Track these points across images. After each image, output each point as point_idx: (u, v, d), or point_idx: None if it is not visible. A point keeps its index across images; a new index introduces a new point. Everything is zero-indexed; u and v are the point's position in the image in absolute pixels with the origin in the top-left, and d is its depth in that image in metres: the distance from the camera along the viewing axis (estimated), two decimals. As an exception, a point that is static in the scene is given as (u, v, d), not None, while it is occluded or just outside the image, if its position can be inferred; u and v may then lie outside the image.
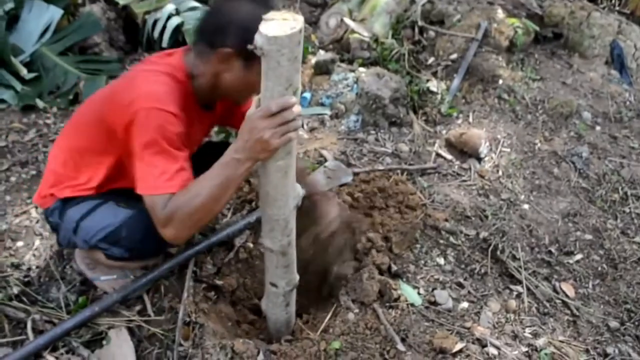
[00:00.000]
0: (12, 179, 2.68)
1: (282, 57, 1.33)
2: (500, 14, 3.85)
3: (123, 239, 1.81)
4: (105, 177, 1.81)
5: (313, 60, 3.34)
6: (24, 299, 2.02)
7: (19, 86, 3.34)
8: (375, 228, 2.41)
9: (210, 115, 1.92)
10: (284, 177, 1.61)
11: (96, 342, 1.85)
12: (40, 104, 3.24)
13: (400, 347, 1.94)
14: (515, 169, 2.99)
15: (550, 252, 2.57)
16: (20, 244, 2.30)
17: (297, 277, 1.99)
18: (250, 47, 1.31)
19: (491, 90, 3.50)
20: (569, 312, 2.31)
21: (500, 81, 3.55)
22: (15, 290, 2.05)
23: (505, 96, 3.48)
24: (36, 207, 2.48)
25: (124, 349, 1.84)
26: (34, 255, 2.24)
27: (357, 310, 2.08)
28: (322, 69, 3.26)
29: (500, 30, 3.72)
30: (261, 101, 1.47)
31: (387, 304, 2.11)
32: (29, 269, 2.17)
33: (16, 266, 2.18)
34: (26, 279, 2.13)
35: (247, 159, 1.48)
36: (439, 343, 1.99)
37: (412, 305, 2.14)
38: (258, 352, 1.90)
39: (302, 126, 3.06)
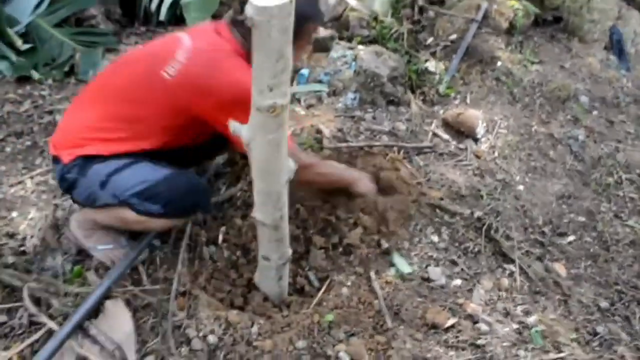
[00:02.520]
0: (7, 149, 2.68)
1: (272, 29, 1.31)
2: (501, -6, 3.84)
3: (161, 193, 1.81)
4: (155, 143, 1.90)
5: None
6: (19, 267, 2.02)
7: (14, 57, 3.32)
8: (371, 207, 2.42)
9: None
10: (276, 151, 1.60)
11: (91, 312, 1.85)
12: (35, 75, 3.22)
13: (389, 324, 1.96)
14: (511, 151, 2.99)
15: (543, 232, 2.59)
16: (15, 214, 2.30)
17: (290, 250, 2.00)
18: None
19: (489, 72, 3.49)
20: (560, 291, 2.33)
21: (499, 63, 3.53)
22: (10, 259, 2.05)
23: (503, 78, 3.47)
24: (31, 178, 2.48)
25: (121, 319, 1.85)
26: (29, 225, 2.23)
27: (349, 284, 2.10)
28: (321, 46, 3.24)
29: (501, 12, 3.70)
30: (255, 74, 1.46)
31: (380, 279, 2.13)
32: (24, 238, 2.17)
33: (11, 235, 2.18)
34: (21, 249, 2.13)
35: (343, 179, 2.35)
36: (432, 318, 2.01)
37: (405, 280, 2.15)
38: (252, 324, 1.91)
39: (300, 102, 3.05)
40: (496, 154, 2.95)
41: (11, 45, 3.35)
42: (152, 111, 1.86)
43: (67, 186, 1.94)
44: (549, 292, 2.31)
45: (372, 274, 2.15)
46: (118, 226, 1.99)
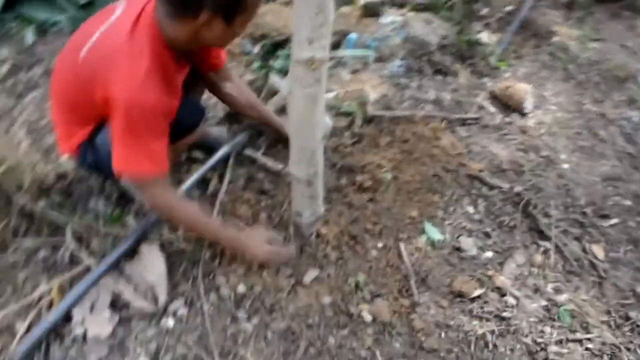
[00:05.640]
0: (61, 96, 2.78)
1: (313, -18, 1.33)
2: (563, -33, 3.68)
3: None
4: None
5: (362, 1, 3.28)
6: (65, 207, 2.13)
7: (72, 11, 3.42)
8: (408, 173, 2.42)
9: (185, 60, 1.86)
10: (313, 105, 1.62)
11: (128, 253, 1.94)
12: (91, 28, 3.31)
13: (414, 290, 1.96)
14: (560, 128, 2.90)
15: (584, 213, 2.51)
16: (65, 157, 2.40)
17: (322, 209, 2.03)
18: None
19: (544, 47, 3.37)
20: (595, 273, 2.28)
21: (555, 38, 3.41)
22: (58, 199, 2.15)
23: (559, 54, 3.35)
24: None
25: (155, 262, 1.93)
26: (78, 168, 2.33)
27: (380, 246, 2.11)
28: (371, 11, 3.21)
29: (562, -15, 3.56)
30: (295, 27, 1.47)
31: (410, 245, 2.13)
32: (72, 181, 2.27)
33: (60, 177, 2.29)
34: (68, 190, 2.23)
35: (231, 247, 1.94)
36: (458, 287, 2.01)
37: (435, 247, 2.15)
38: (281, 276, 1.96)
39: (345, 67, 3.04)
40: (543, 130, 2.86)
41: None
42: (83, 98, 1.70)
43: (94, 169, 1.99)
44: (584, 272, 2.26)
45: (402, 239, 2.15)
46: None
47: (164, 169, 1.67)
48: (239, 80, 2.29)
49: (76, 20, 3.35)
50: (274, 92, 2.67)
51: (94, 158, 1.87)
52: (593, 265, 2.30)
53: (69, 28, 3.33)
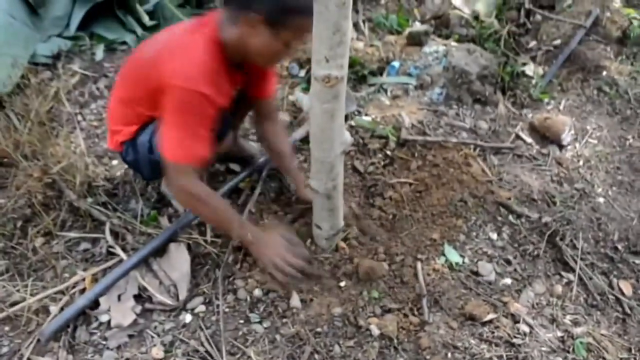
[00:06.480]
0: (118, 107, 3.01)
1: (330, 2, 1.43)
2: (616, 2, 3.63)
3: None
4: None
5: (407, 30, 3.38)
6: (109, 206, 2.31)
7: (140, 31, 3.71)
8: (435, 196, 2.46)
9: (240, 74, 1.98)
10: (330, 121, 1.72)
11: (157, 250, 2.09)
12: (154, 47, 3.57)
13: (425, 309, 2.00)
14: (599, 162, 2.86)
15: (616, 248, 2.47)
16: (115, 162, 2.61)
17: (342, 223, 2.11)
18: None
19: (592, 81, 3.34)
20: (620, 309, 2.23)
21: (604, 72, 3.37)
22: (103, 198, 2.35)
23: (607, 88, 3.31)
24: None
25: (181, 261, 2.07)
26: (124, 172, 2.53)
27: (397, 261, 2.15)
28: (415, 40, 3.29)
29: (613, 20, 3.51)
30: (314, 45, 1.58)
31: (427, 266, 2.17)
32: (118, 183, 2.47)
33: (108, 179, 2.49)
34: (114, 191, 2.43)
35: (244, 240, 1.99)
36: (470, 309, 2.02)
37: (453, 270, 2.17)
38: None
39: (386, 93, 3.13)
40: (580, 162, 2.83)
41: (139, 20, 3.75)
42: (139, 93, 1.89)
43: (134, 168, 2.18)
44: (607, 307, 2.22)
45: (421, 260, 2.19)
46: None
47: (202, 159, 1.80)
48: (279, 126, 2.38)
49: (142, 40, 3.63)
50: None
51: (134, 157, 2.05)
52: (618, 301, 2.26)
53: (135, 47, 3.60)
